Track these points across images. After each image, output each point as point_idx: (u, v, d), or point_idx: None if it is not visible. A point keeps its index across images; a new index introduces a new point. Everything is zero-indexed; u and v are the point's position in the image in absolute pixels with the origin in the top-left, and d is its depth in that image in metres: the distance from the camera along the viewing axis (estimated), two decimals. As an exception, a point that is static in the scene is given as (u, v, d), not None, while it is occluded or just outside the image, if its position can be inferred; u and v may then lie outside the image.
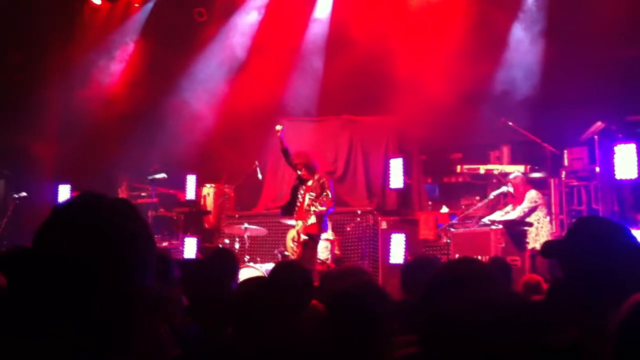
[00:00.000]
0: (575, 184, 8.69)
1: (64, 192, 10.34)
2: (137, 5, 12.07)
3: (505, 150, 10.00)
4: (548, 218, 8.14)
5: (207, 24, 11.66)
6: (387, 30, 10.06)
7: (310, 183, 7.98)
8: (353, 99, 10.59)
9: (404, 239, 8.49)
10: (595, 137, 8.21)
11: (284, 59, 11.00)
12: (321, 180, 7.89)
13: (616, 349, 1.39)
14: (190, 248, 9.01)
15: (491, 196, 8.69)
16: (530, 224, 7.88)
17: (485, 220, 8.15)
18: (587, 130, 8.37)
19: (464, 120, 9.45)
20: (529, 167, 9.44)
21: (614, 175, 7.57)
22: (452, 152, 10.83)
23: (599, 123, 8.17)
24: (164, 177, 9.97)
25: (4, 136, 10.87)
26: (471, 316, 1.36)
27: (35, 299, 1.17)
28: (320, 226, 7.85)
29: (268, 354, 2.47)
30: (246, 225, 8.87)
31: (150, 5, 11.99)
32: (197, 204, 10.50)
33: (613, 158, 7.56)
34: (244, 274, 6.68)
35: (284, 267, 3.58)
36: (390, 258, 8.56)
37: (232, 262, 4.42)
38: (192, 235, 9.53)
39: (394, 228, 9.10)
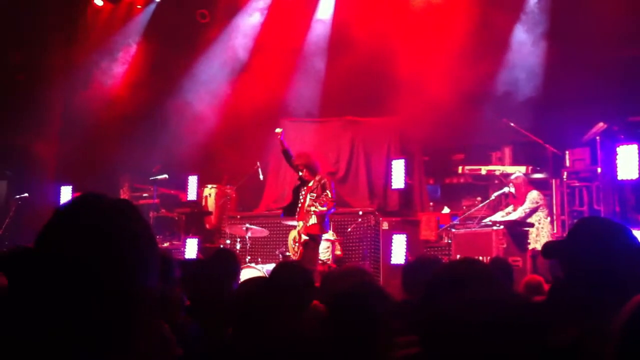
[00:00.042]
0: (577, 184, 8.69)
1: (66, 193, 10.35)
2: (139, 6, 12.08)
3: (507, 151, 9.99)
4: (549, 219, 8.13)
5: (210, 26, 11.67)
6: (389, 31, 10.06)
7: (311, 184, 7.98)
8: (355, 99, 10.59)
9: (405, 239, 8.49)
10: (597, 137, 8.21)
11: (286, 60, 11.01)
12: (322, 181, 7.89)
13: (618, 350, 1.39)
14: (191, 248, 9.02)
15: (493, 197, 8.69)
16: (532, 225, 7.87)
17: (487, 220, 8.15)
18: (589, 131, 8.36)
19: (466, 121, 9.45)
20: (530, 167, 9.43)
21: (616, 176, 7.56)
22: (454, 153, 10.84)
23: (600, 124, 8.16)
24: (166, 178, 9.98)
25: (6, 137, 10.89)
26: (472, 316, 1.36)
27: (36, 299, 1.17)
28: (322, 226, 7.86)
29: (268, 354, 2.47)
30: (247, 225, 8.88)
31: (152, 6, 12.00)
32: (198, 204, 10.51)
33: (615, 159, 7.56)
34: (245, 274, 6.68)
35: (284, 268, 3.58)
36: (391, 258, 8.57)
37: (233, 262, 4.42)
38: (193, 235, 9.55)
39: (396, 229, 9.10)
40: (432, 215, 9.46)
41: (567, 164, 8.87)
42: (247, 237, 8.83)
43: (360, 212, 9.67)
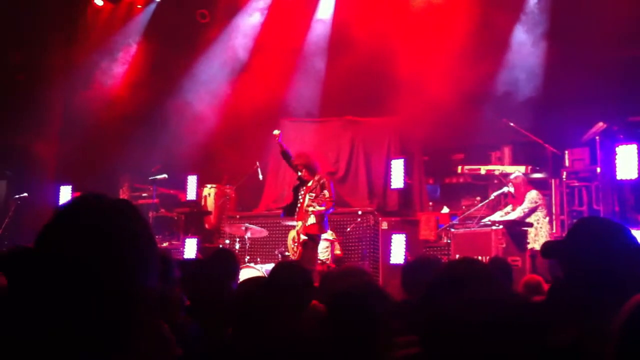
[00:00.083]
0: (577, 184, 8.69)
1: (66, 193, 10.35)
2: (139, 6, 12.08)
3: (507, 151, 10.00)
4: (547, 219, 8.13)
5: (210, 26, 11.67)
6: (389, 31, 10.06)
7: (310, 183, 7.98)
8: (355, 99, 10.59)
9: (405, 239, 8.49)
10: (597, 137, 8.21)
11: (286, 60, 11.01)
12: (321, 181, 7.89)
13: (618, 350, 1.39)
14: (190, 248, 9.02)
15: (492, 196, 8.70)
16: (531, 225, 7.88)
17: (486, 220, 8.15)
18: (589, 131, 8.37)
19: (466, 121, 9.45)
20: (530, 167, 9.43)
21: (615, 175, 7.56)
22: (454, 153, 10.84)
23: (600, 124, 8.16)
24: (165, 178, 9.98)
25: (6, 136, 10.89)
26: (472, 316, 1.36)
27: (35, 299, 1.17)
28: (321, 226, 7.86)
29: (268, 354, 2.47)
30: (247, 225, 8.88)
31: (152, 6, 12.00)
32: (197, 204, 10.51)
33: (614, 159, 7.56)
34: (245, 274, 6.68)
35: (283, 267, 3.58)
36: (390, 258, 8.57)
37: (233, 262, 4.43)
38: (192, 235, 9.54)
39: (395, 228, 9.10)
40: (432, 215, 9.46)
41: (567, 163, 8.87)
42: (246, 237, 8.83)
43: (360, 212, 9.67)
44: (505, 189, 8.40)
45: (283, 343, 2.48)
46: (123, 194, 11.00)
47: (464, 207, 9.65)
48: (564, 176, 8.77)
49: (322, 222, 7.87)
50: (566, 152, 8.89)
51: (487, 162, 10.00)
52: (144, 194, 10.97)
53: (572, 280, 2.12)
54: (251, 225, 8.93)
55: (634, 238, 2.13)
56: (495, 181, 9.47)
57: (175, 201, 11.05)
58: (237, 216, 10.28)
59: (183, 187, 10.40)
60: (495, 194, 8.63)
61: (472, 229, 8.19)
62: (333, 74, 10.60)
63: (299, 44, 11.24)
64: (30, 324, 1.16)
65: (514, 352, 1.32)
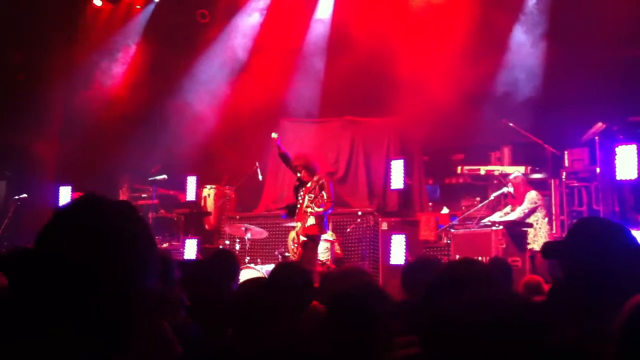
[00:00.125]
0: (576, 184, 8.68)
1: (65, 194, 10.34)
2: (138, 7, 12.08)
3: (506, 151, 10.00)
4: (547, 219, 8.13)
5: (209, 26, 11.67)
6: (388, 31, 10.06)
7: (309, 184, 7.98)
8: (355, 99, 10.59)
9: (405, 239, 8.49)
10: (596, 138, 8.21)
11: (285, 60, 11.01)
12: (320, 181, 7.89)
13: (618, 350, 1.39)
14: (190, 249, 9.01)
15: (492, 197, 8.70)
16: (531, 225, 7.88)
17: (486, 221, 8.15)
18: (588, 131, 8.37)
19: (466, 121, 9.46)
20: (529, 168, 9.43)
21: (615, 176, 7.56)
22: (454, 153, 10.83)
23: (599, 124, 8.17)
24: (165, 179, 9.98)
25: (5, 137, 10.88)
26: (472, 317, 1.36)
27: (35, 300, 1.17)
28: (320, 227, 7.85)
29: (268, 354, 2.47)
30: (247, 226, 8.87)
31: (152, 6, 12.00)
32: (197, 205, 10.51)
33: (614, 159, 7.56)
34: (245, 275, 6.68)
35: (283, 268, 3.58)
36: (390, 259, 8.57)
37: (233, 263, 4.42)
38: (192, 236, 9.54)
39: (395, 229, 9.10)
40: (432, 215, 9.46)
41: (566, 164, 8.87)
42: (246, 237, 8.82)
43: (360, 213, 9.67)
44: (505, 190, 8.40)
45: (283, 344, 2.48)
46: (123, 195, 11.00)
47: (463, 208, 9.65)
48: (563, 176, 8.77)
49: (322, 223, 7.87)
50: (566, 152, 8.88)
51: (487, 163, 10.00)
52: (143, 195, 10.97)
53: (572, 281, 2.12)
54: (251, 226, 8.93)
55: (633, 238, 2.13)
56: (495, 181, 9.48)
57: (174, 202, 11.04)
58: (237, 217, 10.28)
59: (183, 188, 10.40)
60: (495, 194, 8.63)
61: (472, 229, 8.19)
62: (332, 74, 10.59)
63: (299, 44, 11.24)
64: (31, 325, 1.16)
65: (514, 353, 1.32)
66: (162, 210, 10.86)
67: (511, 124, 9.26)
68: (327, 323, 2.39)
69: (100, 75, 11.74)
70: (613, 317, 1.43)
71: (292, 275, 3.28)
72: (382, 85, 10.00)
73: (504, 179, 8.89)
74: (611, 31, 8.45)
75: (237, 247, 9.06)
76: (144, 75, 11.57)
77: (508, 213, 8.24)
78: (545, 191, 8.74)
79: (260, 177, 10.06)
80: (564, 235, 2.60)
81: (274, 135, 8.42)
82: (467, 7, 9.71)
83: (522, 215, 7.93)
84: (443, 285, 1.91)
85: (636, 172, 7.37)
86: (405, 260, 8.24)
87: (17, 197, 10.20)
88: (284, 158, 8.40)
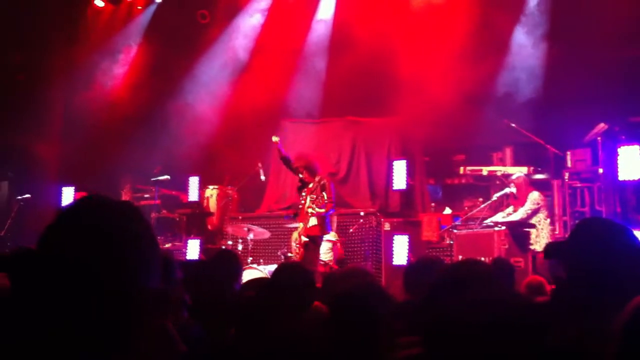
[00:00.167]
0: (578, 185, 8.67)
1: (68, 194, 10.36)
2: (139, 7, 12.09)
3: (508, 152, 9.99)
4: (549, 220, 8.12)
5: (210, 26, 11.68)
6: (390, 31, 10.05)
7: (311, 185, 7.99)
8: (356, 100, 10.58)
9: (407, 240, 8.48)
10: (599, 138, 8.20)
11: (286, 61, 11.01)
12: (322, 182, 7.89)
13: (619, 350, 1.39)
14: (193, 249, 9.02)
15: (494, 197, 8.68)
16: (533, 226, 7.87)
17: (488, 221, 8.14)
18: (590, 132, 8.36)
19: (467, 121, 9.44)
20: (531, 168, 9.43)
21: (617, 176, 7.55)
22: (455, 154, 10.82)
23: (602, 124, 8.15)
24: (167, 179, 9.99)
25: (7, 137, 10.90)
26: (474, 317, 1.36)
27: (38, 300, 1.17)
28: (322, 228, 7.85)
29: (270, 354, 2.47)
30: (249, 226, 8.88)
31: (153, 7, 12.01)
32: (199, 205, 10.52)
33: (616, 159, 7.55)
34: (247, 275, 6.68)
35: (285, 268, 3.59)
36: (393, 259, 8.56)
37: (235, 263, 4.43)
38: (194, 236, 9.54)
39: (397, 229, 9.10)
40: (434, 216, 9.45)
41: (569, 164, 8.86)
42: (248, 238, 8.82)
43: (362, 213, 9.67)
44: (507, 190, 8.39)
45: (285, 344, 2.48)
46: (125, 195, 11.01)
47: (466, 208, 9.63)
48: (566, 177, 8.76)
49: (324, 224, 7.87)
50: (568, 153, 8.87)
51: (489, 163, 9.99)
52: (146, 195, 10.98)
53: (574, 281, 2.12)
54: (253, 226, 8.93)
55: (635, 239, 2.13)
56: (497, 182, 9.46)
57: (177, 202, 11.05)
58: (240, 217, 10.28)
59: (185, 189, 10.41)
60: (497, 194, 8.62)
61: (475, 230, 8.18)
62: (334, 75, 10.59)
63: (300, 45, 11.24)
64: (32, 325, 1.16)
65: (516, 353, 1.32)
66: (164, 211, 10.87)
67: (513, 125, 9.25)
68: (329, 323, 2.39)
69: (101, 75, 11.76)
70: (614, 318, 1.43)
71: (294, 276, 3.29)
72: (384, 85, 10.00)
73: (506, 179, 8.88)
74: (612, 31, 8.44)
75: (240, 247, 9.05)
76: (145, 76, 11.58)
77: (510, 214, 8.23)
78: (548, 192, 8.73)
79: (262, 178, 10.06)
80: (566, 236, 2.60)
81: (274, 139, 8.43)
82: (468, 8, 9.71)
83: (524, 216, 7.92)
84: (445, 286, 1.91)
85: (639, 172, 7.36)
86: (407, 260, 8.24)
87: (20, 197, 10.23)
88: (285, 161, 8.41)
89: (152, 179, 10.02)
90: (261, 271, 7.89)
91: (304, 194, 8.06)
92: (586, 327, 1.82)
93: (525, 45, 9.94)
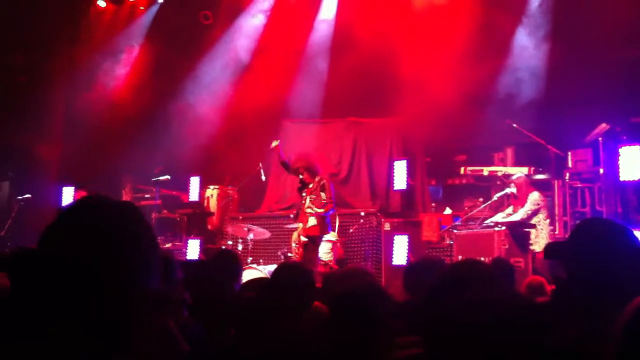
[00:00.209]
0: (579, 185, 8.67)
1: (68, 194, 10.37)
2: (142, 8, 12.10)
3: (509, 152, 9.99)
4: (548, 220, 8.11)
5: (213, 27, 11.68)
6: (391, 31, 10.05)
7: (311, 185, 7.99)
8: (357, 100, 10.59)
9: (407, 240, 8.48)
10: (600, 139, 8.20)
11: (288, 61, 11.01)
12: (322, 182, 7.89)
13: (620, 351, 1.39)
14: (193, 249, 9.02)
15: (495, 197, 8.68)
16: (533, 226, 7.86)
17: (488, 221, 8.14)
18: (592, 132, 8.36)
19: (468, 122, 9.44)
20: (532, 168, 9.42)
21: (618, 177, 7.55)
22: (456, 154, 10.82)
23: (603, 125, 8.15)
24: (168, 179, 10.00)
25: (8, 138, 10.91)
26: (474, 317, 1.36)
27: (38, 300, 1.17)
28: (322, 228, 7.85)
29: (270, 354, 2.47)
30: (249, 226, 8.88)
31: (155, 8, 12.02)
32: (200, 205, 10.52)
33: (617, 160, 7.54)
34: (247, 275, 6.68)
35: (285, 268, 3.59)
36: (393, 259, 8.56)
37: (235, 263, 4.43)
38: (195, 236, 9.55)
39: (397, 229, 9.09)
40: (434, 216, 9.45)
41: (570, 165, 8.86)
42: (249, 238, 8.83)
43: (362, 213, 9.67)
44: (508, 190, 8.39)
45: (285, 344, 2.49)
46: (126, 195, 11.02)
47: (466, 208, 9.63)
48: (566, 177, 8.76)
49: (323, 224, 7.87)
50: (569, 153, 8.87)
51: (490, 163, 9.99)
52: (146, 195, 10.99)
53: (575, 281, 2.12)
54: (254, 227, 8.93)
55: (636, 239, 2.13)
56: (498, 182, 9.46)
57: (177, 202, 11.06)
58: (240, 217, 10.28)
59: (185, 189, 10.42)
60: (498, 195, 8.62)
61: (475, 230, 8.18)
62: (335, 75, 10.59)
63: (302, 45, 11.24)
64: (33, 325, 1.16)
65: (516, 353, 1.32)
66: (164, 211, 10.88)
67: (514, 125, 9.24)
68: (329, 323, 2.39)
69: (102, 76, 11.76)
70: (615, 318, 1.43)
71: (293, 275, 3.29)
72: (385, 86, 10.00)
73: (506, 179, 8.88)
74: (613, 32, 8.44)
75: (240, 247, 9.05)
76: (147, 76, 11.59)
77: (510, 214, 8.23)
78: (549, 192, 8.72)
79: (263, 178, 10.06)
80: (566, 236, 2.60)
81: (274, 144, 8.42)
82: (470, 9, 9.71)
83: (525, 216, 7.92)
84: (445, 286, 1.91)
85: (639, 173, 7.36)
86: (407, 260, 8.23)
87: (20, 197, 10.23)
88: (285, 166, 8.43)
89: (153, 179, 10.03)
90: (261, 271, 7.89)
91: (304, 194, 8.07)
92: (586, 328, 1.81)
93: (527, 46, 9.93)
